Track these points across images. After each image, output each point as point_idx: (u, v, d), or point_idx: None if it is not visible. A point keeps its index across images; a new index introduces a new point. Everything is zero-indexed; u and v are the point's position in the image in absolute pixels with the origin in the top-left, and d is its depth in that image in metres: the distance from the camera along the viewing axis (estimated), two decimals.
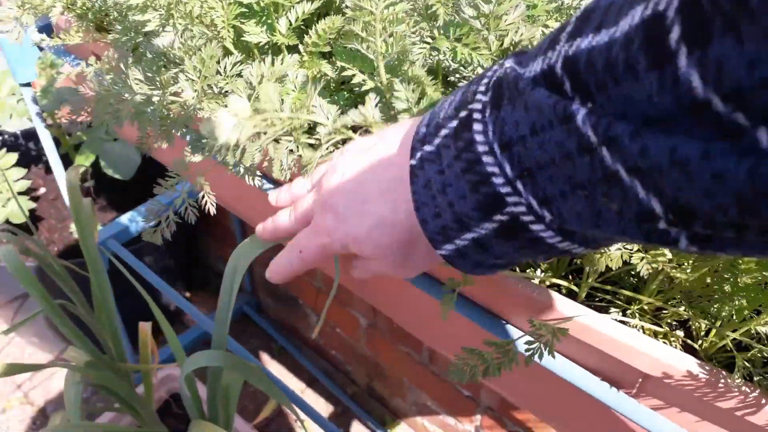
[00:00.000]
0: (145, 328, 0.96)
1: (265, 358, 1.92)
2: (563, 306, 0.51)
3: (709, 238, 0.26)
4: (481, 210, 0.35)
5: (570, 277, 0.62)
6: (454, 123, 0.35)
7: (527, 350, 0.47)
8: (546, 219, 0.32)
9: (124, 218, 1.34)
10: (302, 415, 1.54)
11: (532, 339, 0.48)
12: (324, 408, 1.80)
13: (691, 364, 0.47)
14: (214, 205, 0.59)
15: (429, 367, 1.52)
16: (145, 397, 0.91)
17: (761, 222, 0.23)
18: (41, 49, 1.05)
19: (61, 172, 1.11)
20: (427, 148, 0.37)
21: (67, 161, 1.24)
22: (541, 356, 0.46)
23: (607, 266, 0.58)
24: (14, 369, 0.63)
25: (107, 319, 0.85)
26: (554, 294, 0.52)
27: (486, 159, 0.33)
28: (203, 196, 0.59)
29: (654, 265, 0.49)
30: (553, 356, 0.47)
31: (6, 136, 1.68)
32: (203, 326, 1.32)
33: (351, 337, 1.71)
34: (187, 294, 2.07)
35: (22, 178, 1.49)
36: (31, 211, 1.63)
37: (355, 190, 0.44)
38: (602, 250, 0.51)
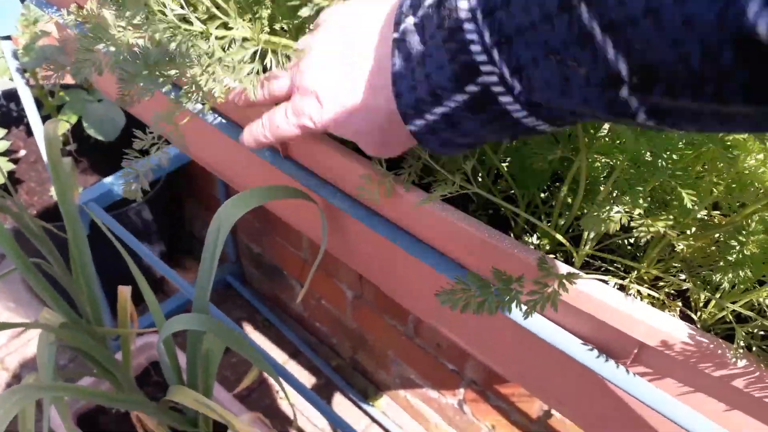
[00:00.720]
0: (124, 291, 0.93)
1: (249, 329, 1.91)
2: (562, 271, 0.49)
3: (667, 111, 0.28)
4: (456, 80, 0.36)
5: (567, 244, 0.60)
6: None
7: (528, 301, 0.45)
8: (515, 90, 0.34)
9: (106, 181, 1.30)
10: (285, 385, 1.53)
11: (534, 290, 0.46)
12: (307, 380, 1.79)
13: (690, 333, 0.46)
14: (187, 146, 0.56)
15: (414, 340, 1.51)
16: (123, 363, 0.89)
17: (718, 77, 0.25)
18: (23, 0, 1.00)
19: (41, 132, 1.07)
20: (410, 20, 0.38)
21: None
22: (543, 307, 0.45)
23: (605, 233, 0.56)
24: None
25: (85, 281, 0.82)
26: (552, 259, 0.50)
27: (467, 26, 0.34)
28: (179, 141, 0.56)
29: (653, 230, 0.47)
30: (556, 309, 0.45)
31: None
32: (186, 293, 1.30)
33: (336, 309, 1.69)
34: (170, 262, 2.04)
35: (1, 139, 1.44)
36: (10, 174, 1.59)
37: (337, 74, 0.45)
38: (598, 213, 0.49)
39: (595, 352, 0.53)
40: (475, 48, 0.34)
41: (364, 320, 1.63)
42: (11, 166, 1.50)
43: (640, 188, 0.44)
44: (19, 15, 1.15)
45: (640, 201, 0.44)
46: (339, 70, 0.45)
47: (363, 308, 1.59)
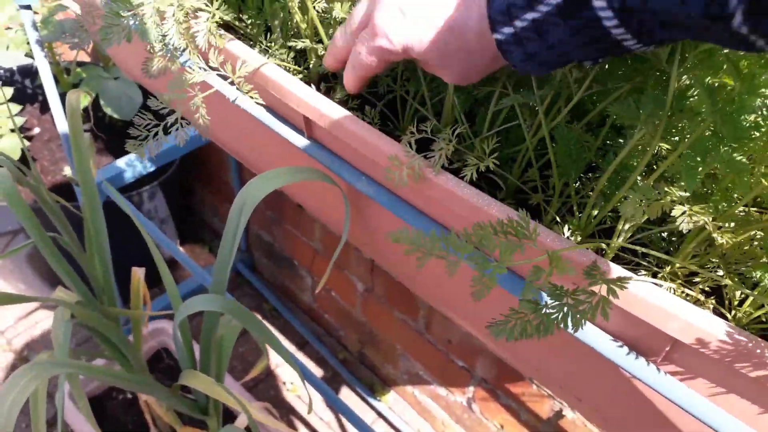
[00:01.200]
0: (137, 272, 0.92)
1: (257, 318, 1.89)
2: (611, 275, 0.47)
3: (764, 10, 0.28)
4: None
5: (598, 236, 0.58)
6: None
7: (574, 312, 0.43)
8: None
9: (121, 162, 1.29)
10: (295, 375, 1.51)
11: (581, 299, 0.43)
12: (314, 372, 1.78)
13: (728, 330, 0.44)
14: (207, 121, 0.55)
15: (424, 335, 1.49)
16: (134, 344, 0.88)
17: None
18: None
19: (58, 107, 1.06)
20: None
21: (65, 101, 1.19)
22: (593, 318, 0.42)
23: (638, 227, 0.54)
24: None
25: (100, 259, 0.81)
26: (585, 250, 0.48)
27: None
28: (197, 114, 0.54)
29: (696, 220, 0.46)
30: (607, 317, 0.42)
31: (1, 71, 1.62)
32: (198, 278, 1.29)
33: (346, 302, 1.68)
34: (180, 248, 2.03)
35: (16, 115, 1.43)
36: (24, 151, 1.58)
37: None
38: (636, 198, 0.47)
39: (625, 348, 0.52)
40: None
41: (373, 314, 1.61)
42: (26, 143, 1.49)
43: (696, 173, 0.42)
44: None
45: (695, 184, 0.42)
46: None
47: (373, 302, 1.58)
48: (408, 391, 1.69)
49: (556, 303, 0.43)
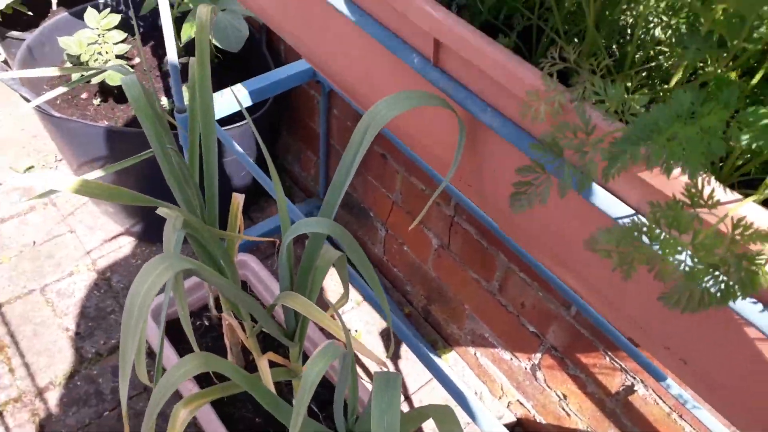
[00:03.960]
0: (237, 198, 0.95)
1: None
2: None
3: None
4: None
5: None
6: None
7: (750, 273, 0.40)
8: None
9: (216, 96, 1.32)
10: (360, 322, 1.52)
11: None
12: (378, 323, 1.80)
13: None
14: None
15: (496, 297, 1.48)
16: (231, 264, 0.91)
17: None
18: None
19: (169, 31, 1.08)
20: None
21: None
22: (754, 287, 0.40)
23: None
24: None
25: (208, 181, 0.83)
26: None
27: None
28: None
29: None
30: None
31: None
32: (291, 214, 1.31)
33: (418, 257, 1.68)
34: (253, 197, 2.07)
35: (121, 42, 1.48)
36: None
37: None
38: None
39: (759, 305, 0.49)
40: None
41: (445, 271, 1.61)
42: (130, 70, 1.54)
43: None
44: None
45: None
46: None
47: (446, 259, 1.57)
48: (470, 352, 1.70)
49: (734, 268, 0.40)
